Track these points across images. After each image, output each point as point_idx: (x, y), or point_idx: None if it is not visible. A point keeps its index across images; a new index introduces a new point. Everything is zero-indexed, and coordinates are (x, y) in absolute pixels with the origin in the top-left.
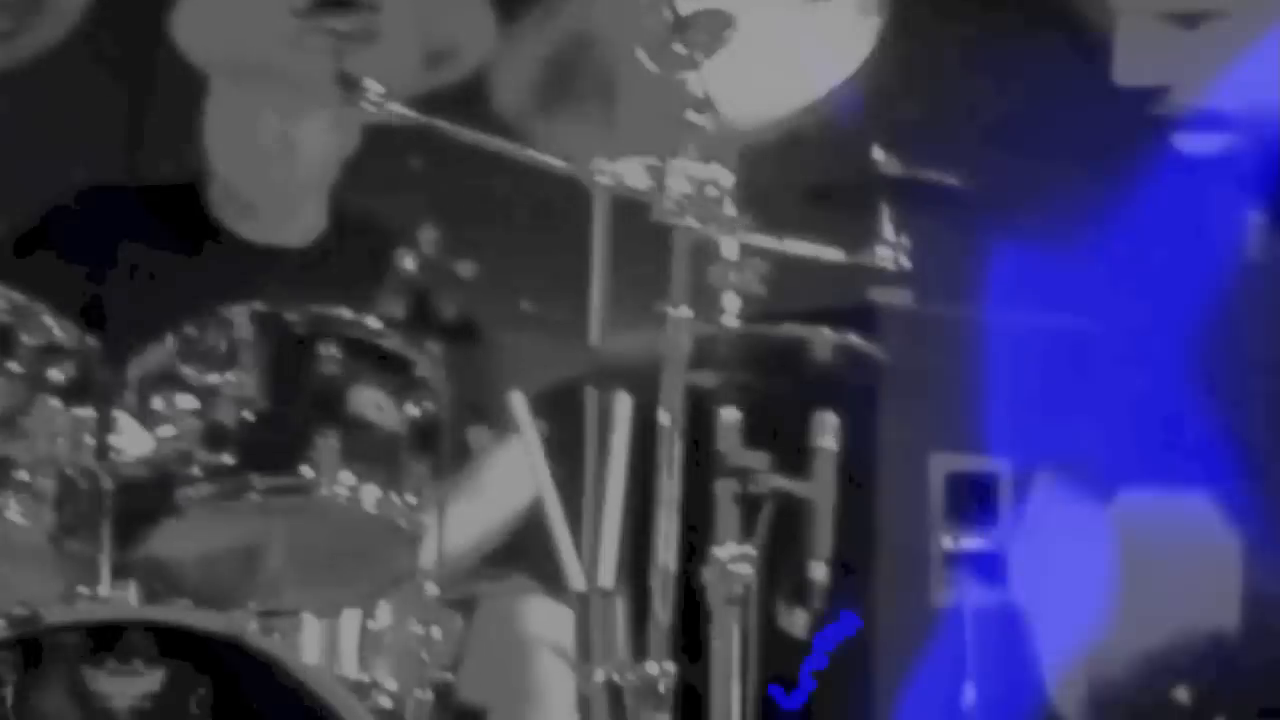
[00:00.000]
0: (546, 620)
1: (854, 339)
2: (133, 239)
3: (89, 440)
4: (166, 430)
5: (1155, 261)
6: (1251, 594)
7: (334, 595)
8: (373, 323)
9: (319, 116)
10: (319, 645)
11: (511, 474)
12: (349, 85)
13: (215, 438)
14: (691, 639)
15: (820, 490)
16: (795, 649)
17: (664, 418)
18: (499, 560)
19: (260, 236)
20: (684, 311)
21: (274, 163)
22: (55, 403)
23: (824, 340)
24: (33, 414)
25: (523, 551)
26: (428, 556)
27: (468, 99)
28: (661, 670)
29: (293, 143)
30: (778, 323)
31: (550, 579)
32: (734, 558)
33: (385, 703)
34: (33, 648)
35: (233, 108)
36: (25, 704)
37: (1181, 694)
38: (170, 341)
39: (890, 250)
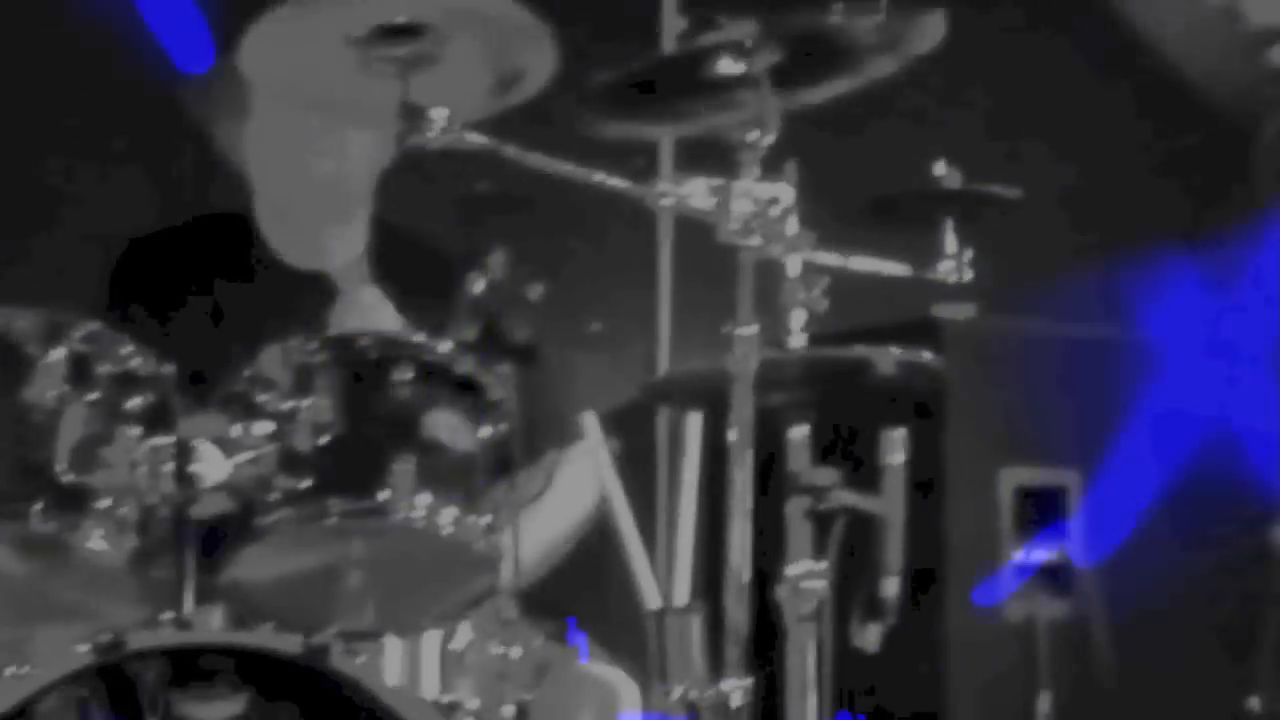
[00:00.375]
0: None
1: (917, 355)
2: (189, 279)
3: (168, 468)
4: (244, 456)
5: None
6: None
7: (414, 617)
8: (444, 346)
9: (355, 141)
10: (401, 667)
11: (577, 484)
12: (414, 114)
13: (292, 463)
14: (766, 656)
15: (891, 506)
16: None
17: (733, 435)
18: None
19: (306, 263)
20: (751, 330)
21: (322, 162)
22: (134, 431)
23: (888, 358)
24: (112, 443)
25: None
26: (506, 576)
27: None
28: (737, 687)
29: (342, 143)
30: (843, 341)
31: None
32: (807, 574)
33: None
34: (118, 675)
35: (277, 133)
36: None
37: None
38: (245, 370)
39: (953, 264)
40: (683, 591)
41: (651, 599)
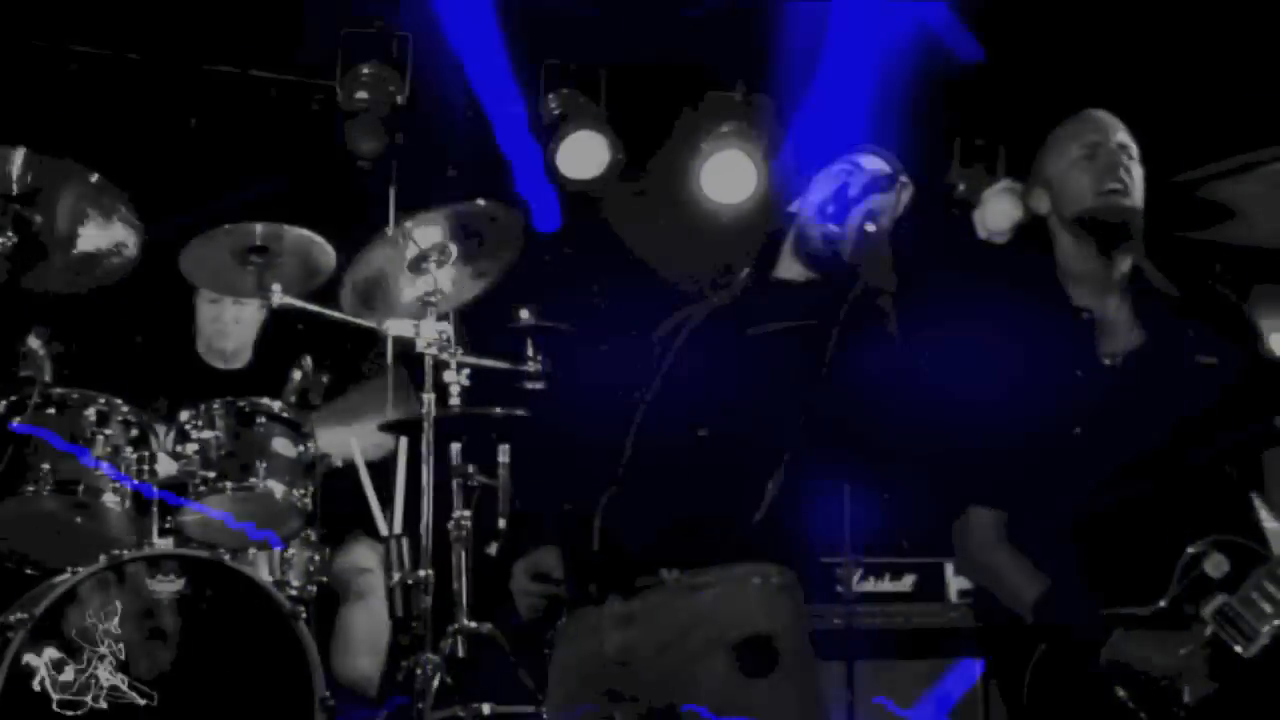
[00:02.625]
0: None
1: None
2: (160, 370)
3: (144, 466)
4: (183, 461)
5: None
6: None
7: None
8: (280, 404)
9: (250, 304)
10: (266, 565)
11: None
12: (264, 291)
13: (207, 464)
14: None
15: (502, 481)
16: None
17: (423, 447)
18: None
19: (222, 367)
20: (430, 395)
21: (228, 328)
22: (129, 449)
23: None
24: (120, 454)
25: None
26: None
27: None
28: (425, 572)
29: (238, 318)
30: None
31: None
32: (462, 516)
33: (292, 592)
34: (120, 569)
35: (206, 301)
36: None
37: None
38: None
39: (532, 363)
40: (397, 527)
41: (384, 529)
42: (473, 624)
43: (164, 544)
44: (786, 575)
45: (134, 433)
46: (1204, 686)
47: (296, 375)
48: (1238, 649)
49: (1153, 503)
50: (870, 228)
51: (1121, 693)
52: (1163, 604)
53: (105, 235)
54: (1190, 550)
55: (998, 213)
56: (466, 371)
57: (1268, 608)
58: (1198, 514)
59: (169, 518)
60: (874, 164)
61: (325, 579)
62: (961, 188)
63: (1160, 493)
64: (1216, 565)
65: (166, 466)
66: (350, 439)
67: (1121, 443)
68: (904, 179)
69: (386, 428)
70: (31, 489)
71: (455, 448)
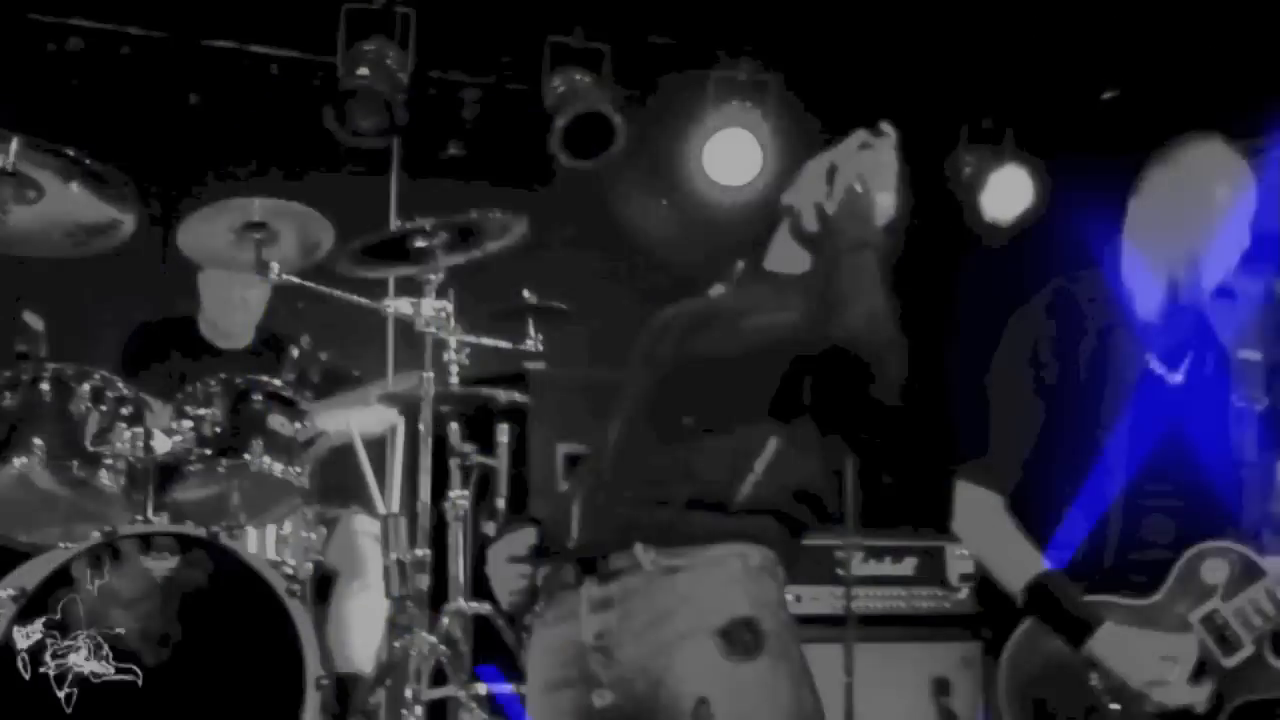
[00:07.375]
0: None
1: (515, 393)
2: (166, 347)
3: (140, 443)
4: (178, 438)
5: None
6: None
7: (262, 517)
8: (279, 383)
9: (253, 283)
10: (256, 543)
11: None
12: (263, 267)
13: (202, 441)
14: (442, 541)
15: (500, 463)
16: None
17: (421, 427)
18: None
19: (224, 345)
20: (429, 374)
21: (235, 307)
22: (123, 425)
23: (502, 395)
24: (114, 431)
25: None
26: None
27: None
28: (421, 553)
29: (245, 298)
30: (480, 383)
31: None
32: (459, 496)
33: (287, 571)
34: (113, 548)
35: (213, 279)
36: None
37: None
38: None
39: (533, 342)
40: (394, 506)
41: (382, 508)
42: (469, 604)
43: (158, 521)
44: (765, 555)
45: (129, 409)
46: (1176, 697)
47: (294, 352)
48: (1219, 658)
49: (1174, 500)
50: (858, 187)
51: (1094, 680)
52: (1154, 600)
53: (102, 210)
54: (1190, 552)
55: (1004, 196)
56: (466, 350)
57: (1258, 621)
58: (1206, 514)
59: (165, 495)
60: (858, 135)
61: (321, 558)
62: (968, 170)
63: (1185, 491)
64: (1214, 571)
65: (162, 444)
66: (348, 419)
67: (1164, 444)
68: (885, 128)
69: (386, 399)
70: (24, 464)
71: (453, 427)
